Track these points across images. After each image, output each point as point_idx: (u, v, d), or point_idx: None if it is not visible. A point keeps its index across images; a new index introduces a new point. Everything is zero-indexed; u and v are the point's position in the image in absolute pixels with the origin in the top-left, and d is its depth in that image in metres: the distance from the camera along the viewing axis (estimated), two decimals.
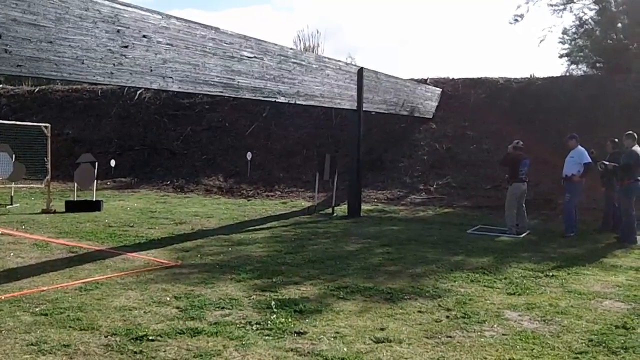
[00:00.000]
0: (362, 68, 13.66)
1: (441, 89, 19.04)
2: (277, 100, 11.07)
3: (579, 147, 10.88)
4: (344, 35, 54.10)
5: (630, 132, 10.43)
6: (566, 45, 22.68)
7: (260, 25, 59.95)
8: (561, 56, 23.16)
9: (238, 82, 9.91)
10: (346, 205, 13.70)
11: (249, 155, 17.76)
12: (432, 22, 61.85)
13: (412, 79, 18.09)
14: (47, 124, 14.20)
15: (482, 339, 5.06)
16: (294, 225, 11.79)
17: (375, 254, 8.84)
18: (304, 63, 11.64)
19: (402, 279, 7.23)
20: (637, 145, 10.21)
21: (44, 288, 6.48)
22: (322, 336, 5.07)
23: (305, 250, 9.01)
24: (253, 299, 6.21)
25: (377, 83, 14.35)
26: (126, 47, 7.85)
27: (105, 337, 4.98)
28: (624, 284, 7.19)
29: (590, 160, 10.72)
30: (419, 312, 5.83)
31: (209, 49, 9.25)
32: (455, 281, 7.14)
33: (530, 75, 19.71)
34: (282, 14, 65.05)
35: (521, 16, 21.86)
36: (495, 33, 60.61)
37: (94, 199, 13.63)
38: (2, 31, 6.38)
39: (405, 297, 6.37)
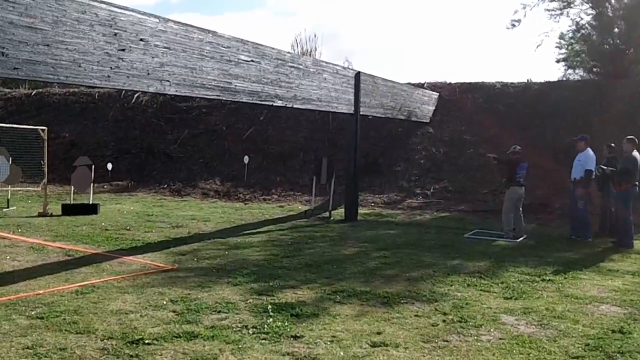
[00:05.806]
0: (359, 72, 13.67)
1: (438, 94, 19.06)
2: (274, 104, 11.08)
3: (589, 150, 10.73)
4: (342, 39, 54.25)
5: (631, 136, 10.36)
6: (563, 50, 22.75)
7: (259, 30, 60.06)
8: (558, 61, 23.23)
9: (235, 85, 9.91)
10: (343, 209, 13.70)
11: (246, 159, 17.76)
12: (430, 27, 62.01)
13: (409, 84, 18.09)
14: (44, 127, 14.17)
15: (479, 344, 5.06)
16: (290, 229, 11.78)
17: (372, 258, 8.83)
18: (301, 67, 11.65)
19: (398, 283, 7.23)
20: (636, 151, 10.20)
21: (40, 291, 6.46)
22: (318, 340, 5.06)
23: (302, 254, 9.00)
24: (250, 302, 6.20)
25: (374, 87, 14.35)
26: (123, 50, 7.85)
27: (102, 340, 4.96)
28: (620, 288, 7.20)
29: (592, 167, 10.58)
30: (416, 316, 5.83)
31: (207, 52, 9.25)
32: (452, 285, 7.14)
33: (527, 80, 19.75)
34: (281, 18, 65.13)
35: (518, 21, 21.89)
36: (492, 38, 60.82)
37: (91, 202, 13.62)
38: None
39: (402, 301, 6.36)
